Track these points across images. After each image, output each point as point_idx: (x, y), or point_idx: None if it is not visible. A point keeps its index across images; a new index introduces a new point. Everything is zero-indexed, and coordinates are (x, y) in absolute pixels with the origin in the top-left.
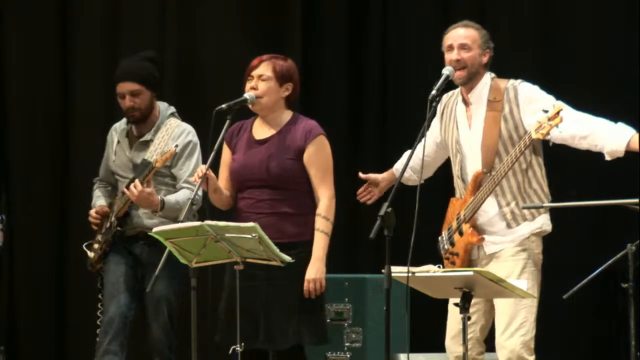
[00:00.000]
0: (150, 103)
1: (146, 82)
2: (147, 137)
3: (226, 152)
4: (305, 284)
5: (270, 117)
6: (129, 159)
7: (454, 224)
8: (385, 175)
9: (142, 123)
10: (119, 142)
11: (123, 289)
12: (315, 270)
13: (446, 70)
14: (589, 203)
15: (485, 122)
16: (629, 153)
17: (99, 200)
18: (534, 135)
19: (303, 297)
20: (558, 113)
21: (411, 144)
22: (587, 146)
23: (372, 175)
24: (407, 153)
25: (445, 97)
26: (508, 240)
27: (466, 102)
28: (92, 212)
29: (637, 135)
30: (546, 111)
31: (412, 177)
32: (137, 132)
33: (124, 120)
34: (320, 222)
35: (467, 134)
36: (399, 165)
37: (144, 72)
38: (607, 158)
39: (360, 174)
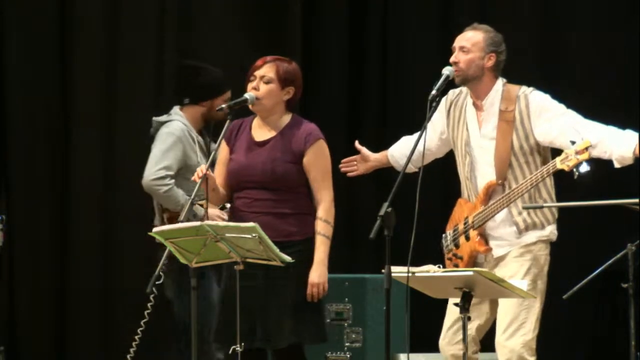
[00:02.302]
0: None
1: None
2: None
3: (224, 150)
4: (309, 288)
5: (269, 118)
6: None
7: (461, 227)
8: (377, 155)
9: None
10: (200, 144)
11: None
12: (318, 274)
13: (446, 70)
14: (589, 203)
15: (498, 133)
16: (638, 159)
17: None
18: (559, 166)
19: (300, 296)
20: (587, 148)
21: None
22: (597, 154)
23: (366, 151)
24: (404, 138)
25: (452, 93)
26: (514, 244)
27: (477, 106)
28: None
29: None
30: (573, 142)
31: (407, 167)
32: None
33: (186, 122)
34: (321, 225)
35: (477, 138)
36: (393, 151)
37: None
38: (616, 165)
39: (357, 143)
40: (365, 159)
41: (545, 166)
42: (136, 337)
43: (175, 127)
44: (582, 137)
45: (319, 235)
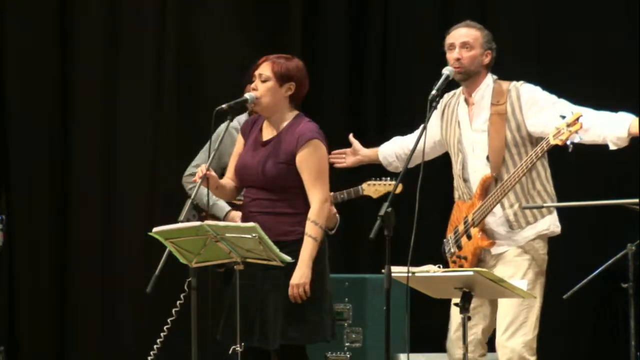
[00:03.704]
0: None
1: None
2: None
3: (240, 143)
4: (290, 289)
5: (273, 118)
6: None
7: (461, 228)
8: (368, 152)
9: None
10: None
11: None
12: (299, 275)
13: (446, 70)
14: (589, 203)
15: (491, 126)
16: (633, 143)
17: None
18: (552, 142)
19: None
20: (577, 119)
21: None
22: (591, 138)
23: (357, 144)
24: (395, 138)
25: (446, 96)
26: (513, 242)
27: (468, 102)
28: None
29: (637, 119)
30: (563, 117)
31: (394, 163)
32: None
33: (241, 119)
34: (309, 226)
35: (469, 133)
36: (384, 149)
37: None
38: (612, 147)
39: (351, 136)
40: (355, 153)
41: (538, 145)
42: (161, 334)
43: (221, 126)
44: (572, 110)
45: (306, 236)
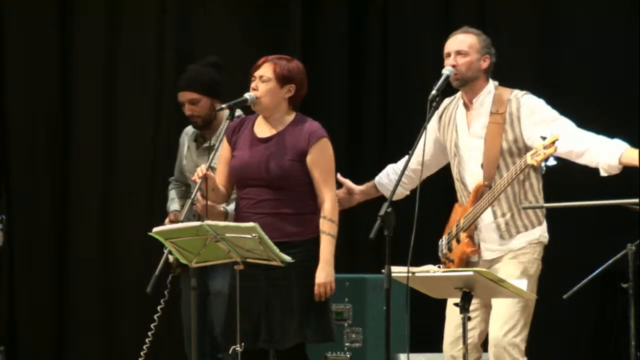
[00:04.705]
0: (211, 110)
1: (204, 90)
2: (212, 142)
3: (225, 148)
4: (316, 288)
5: (272, 117)
6: (195, 164)
7: (454, 230)
8: (362, 188)
9: (207, 129)
10: (189, 147)
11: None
12: (325, 274)
13: (446, 71)
14: (589, 203)
15: (488, 135)
16: (626, 168)
17: (173, 203)
18: (529, 161)
19: (304, 296)
20: (554, 142)
21: (411, 144)
22: (584, 162)
23: (351, 184)
24: (390, 166)
25: (446, 100)
26: (505, 249)
27: (467, 106)
28: (167, 220)
29: (629, 149)
30: (544, 138)
31: (398, 191)
32: (202, 137)
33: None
34: (326, 224)
35: (466, 137)
36: (381, 179)
37: (202, 80)
38: (603, 174)
39: (339, 175)
40: (350, 192)
41: (517, 163)
42: (149, 334)
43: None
44: (552, 132)
45: (325, 235)
